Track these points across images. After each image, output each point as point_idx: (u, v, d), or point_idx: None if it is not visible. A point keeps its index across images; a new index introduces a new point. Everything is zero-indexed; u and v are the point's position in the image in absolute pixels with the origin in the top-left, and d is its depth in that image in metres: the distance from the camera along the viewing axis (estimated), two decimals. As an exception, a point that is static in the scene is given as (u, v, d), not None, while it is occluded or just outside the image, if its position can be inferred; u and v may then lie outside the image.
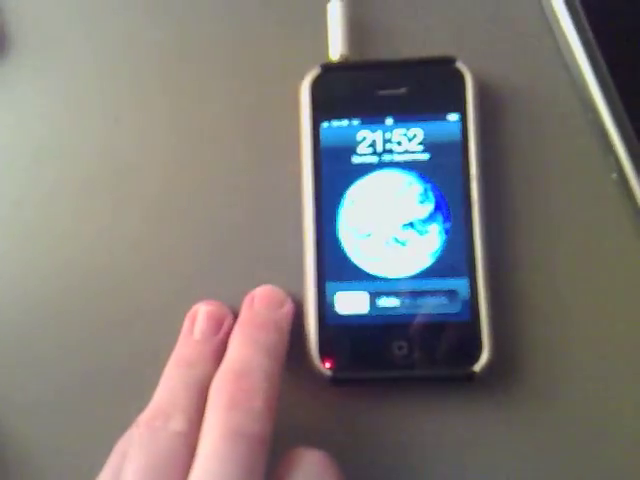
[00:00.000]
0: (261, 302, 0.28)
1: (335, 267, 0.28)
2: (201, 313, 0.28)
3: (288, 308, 0.28)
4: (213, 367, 0.26)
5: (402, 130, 0.29)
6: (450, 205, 0.28)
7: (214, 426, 0.24)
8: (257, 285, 0.29)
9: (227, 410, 0.24)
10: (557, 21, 0.29)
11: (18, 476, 0.29)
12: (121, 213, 0.30)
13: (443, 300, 0.28)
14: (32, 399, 0.29)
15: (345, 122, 0.29)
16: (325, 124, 0.29)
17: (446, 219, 0.28)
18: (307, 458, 0.24)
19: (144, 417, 0.25)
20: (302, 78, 0.29)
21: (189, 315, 0.28)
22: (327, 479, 0.23)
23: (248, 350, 0.26)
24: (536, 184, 0.30)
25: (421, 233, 0.28)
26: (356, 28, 0.30)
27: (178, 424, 0.24)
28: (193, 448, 0.24)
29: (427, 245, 0.28)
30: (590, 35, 0.29)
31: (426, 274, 0.28)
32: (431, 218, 0.28)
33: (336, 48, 0.29)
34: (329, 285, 0.28)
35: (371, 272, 0.28)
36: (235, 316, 0.28)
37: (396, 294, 0.28)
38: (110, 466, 0.25)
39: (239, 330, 0.27)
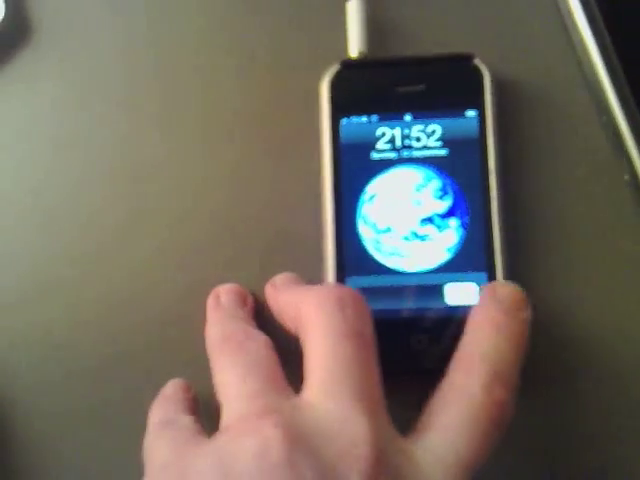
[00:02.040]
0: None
1: (355, 262, 0.28)
2: (224, 289, 0.29)
3: None
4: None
5: (420, 126, 0.29)
6: (468, 200, 0.28)
7: (330, 326, 0.23)
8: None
9: (339, 311, 0.23)
10: (573, 22, 0.30)
11: (25, 459, 0.29)
12: (141, 202, 0.31)
13: (462, 294, 0.28)
14: (44, 382, 0.30)
15: (364, 118, 0.29)
16: (344, 120, 0.29)
17: (465, 214, 0.28)
18: None
19: (220, 338, 0.26)
20: (322, 75, 0.29)
21: (212, 294, 0.29)
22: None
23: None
24: (550, 183, 0.30)
25: (440, 228, 0.28)
26: (375, 26, 0.30)
27: (261, 338, 0.25)
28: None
29: (446, 240, 0.28)
30: (606, 36, 0.29)
31: (445, 268, 0.28)
32: (450, 213, 0.28)
33: (355, 46, 0.30)
34: (349, 280, 0.28)
35: (390, 266, 0.28)
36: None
37: (415, 288, 0.28)
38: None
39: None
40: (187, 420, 0.24)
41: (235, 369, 0.24)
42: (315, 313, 0.24)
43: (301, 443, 0.20)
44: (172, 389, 0.27)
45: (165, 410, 0.26)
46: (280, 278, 0.29)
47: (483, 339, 0.24)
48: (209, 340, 0.26)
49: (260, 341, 0.25)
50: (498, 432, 0.23)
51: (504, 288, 0.26)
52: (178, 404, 0.26)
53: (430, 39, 0.31)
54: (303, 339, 0.24)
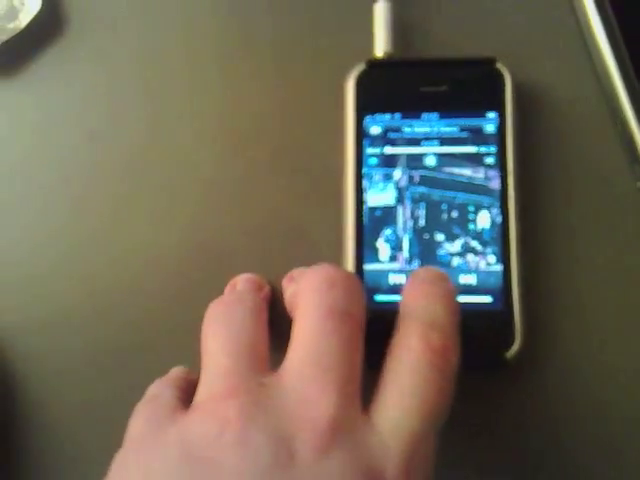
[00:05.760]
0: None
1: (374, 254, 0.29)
2: (242, 278, 0.29)
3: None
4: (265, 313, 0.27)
5: (442, 126, 0.30)
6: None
7: (315, 304, 0.23)
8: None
9: (327, 289, 0.24)
10: (589, 30, 0.31)
11: (39, 443, 0.30)
12: (164, 192, 0.31)
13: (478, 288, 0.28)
14: (61, 359, 0.30)
15: (387, 116, 0.30)
16: (368, 117, 0.30)
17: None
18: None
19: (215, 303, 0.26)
20: (348, 73, 0.30)
21: (230, 283, 0.29)
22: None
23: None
24: (563, 187, 0.30)
25: (458, 224, 0.29)
26: (400, 28, 0.31)
27: (252, 303, 0.26)
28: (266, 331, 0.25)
29: (464, 234, 0.29)
30: (621, 45, 0.30)
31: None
32: (468, 210, 0.29)
33: (381, 46, 0.31)
34: (367, 268, 0.29)
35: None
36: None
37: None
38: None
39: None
40: (169, 394, 0.25)
41: (218, 339, 0.24)
42: (304, 292, 0.24)
43: (258, 421, 0.21)
44: (175, 371, 0.28)
45: (155, 386, 0.26)
46: (298, 272, 0.29)
47: (413, 305, 0.25)
48: (208, 309, 0.27)
49: (249, 304, 0.25)
50: (443, 378, 0.23)
51: (426, 271, 0.27)
52: (169, 381, 0.26)
53: (453, 42, 0.32)
54: (293, 317, 0.25)
